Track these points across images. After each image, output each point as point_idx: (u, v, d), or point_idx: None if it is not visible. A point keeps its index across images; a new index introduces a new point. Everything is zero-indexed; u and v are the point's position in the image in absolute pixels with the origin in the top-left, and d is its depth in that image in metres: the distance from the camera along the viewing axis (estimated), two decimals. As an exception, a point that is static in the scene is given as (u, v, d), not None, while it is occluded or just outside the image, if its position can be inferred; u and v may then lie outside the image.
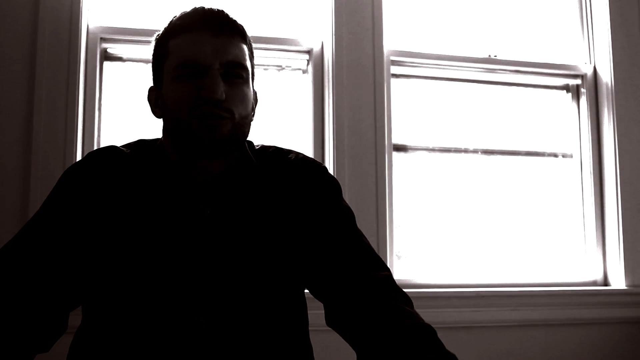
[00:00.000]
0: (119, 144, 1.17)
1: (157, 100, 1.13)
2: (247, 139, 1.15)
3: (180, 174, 1.09)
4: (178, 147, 1.09)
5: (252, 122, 1.15)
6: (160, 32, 1.13)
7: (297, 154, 1.20)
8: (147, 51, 1.94)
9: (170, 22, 1.12)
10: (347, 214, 1.16)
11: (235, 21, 1.11)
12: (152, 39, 1.15)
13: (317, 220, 1.12)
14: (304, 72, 2.09)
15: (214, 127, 1.04)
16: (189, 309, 1.01)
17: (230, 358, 1.01)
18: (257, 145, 1.20)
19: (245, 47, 1.12)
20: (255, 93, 1.17)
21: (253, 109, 1.16)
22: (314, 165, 1.19)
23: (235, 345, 1.02)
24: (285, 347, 1.08)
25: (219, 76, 1.05)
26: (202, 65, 1.05)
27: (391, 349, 0.95)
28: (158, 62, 1.13)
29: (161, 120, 1.14)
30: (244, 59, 1.10)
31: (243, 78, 1.09)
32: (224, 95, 1.04)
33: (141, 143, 1.18)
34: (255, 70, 1.18)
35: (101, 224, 1.05)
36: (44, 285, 1.00)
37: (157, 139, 1.18)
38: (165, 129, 1.13)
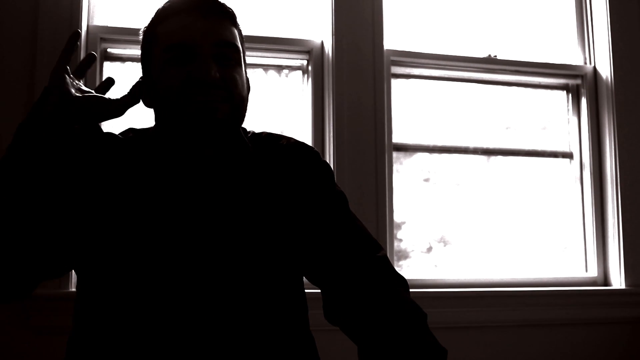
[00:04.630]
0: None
1: (148, 91, 1.11)
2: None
3: (174, 160, 1.08)
4: (172, 133, 1.08)
5: (247, 109, 1.13)
6: (148, 22, 1.13)
7: (289, 138, 1.20)
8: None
9: (157, 9, 1.12)
10: (340, 198, 1.16)
11: (224, 4, 1.10)
12: (140, 31, 1.14)
13: (311, 204, 1.12)
14: (304, 72, 2.09)
15: (211, 110, 1.02)
16: (185, 294, 1.00)
17: (227, 343, 1.00)
18: (249, 132, 1.20)
19: (235, 31, 1.10)
20: (247, 80, 1.15)
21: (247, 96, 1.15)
22: (307, 150, 1.19)
23: (233, 330, 1.01)
24: (282, 329, 1.07)
25: (210, 57, 1.03)
26: (191, 46, 1.03)
27: (382, 341, 0.95)
28: (147, 51, 1.11)
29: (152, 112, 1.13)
30: (235, 40, 1.09)
31: (235, 60, 1.08)
32: (218, 75, 1.03)
33: (132, 130, 1.17)
34: (246, 57, 1.16)
35: (97, 208, 1.04)
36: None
37: (147, 128, 1.17)
38: (157, 117, 1.12)
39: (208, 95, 1.02)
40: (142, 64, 1.14)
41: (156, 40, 1.08)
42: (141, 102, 1.13)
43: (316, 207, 1.13)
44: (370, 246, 1.11)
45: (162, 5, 1.11)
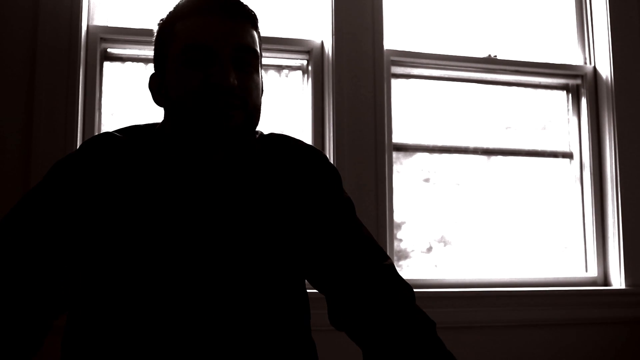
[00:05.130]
0: (112, 130, 1.11)
1: (160, 89, 1.07)
2: None
3: (181, 161, 1.06)
4: (183, 137, 1.05)
5: (260, 117, 1.10)
6: (165, 16, 1.07)
7: (297, 141, 1.18)
8: (147, 51, 1.95)
9: (177, 5, 1.06)
10: (348, 204, 1.15)
11: (247, 6, 1.06)
12: (156, 24, 1.09)
13: (318, 209, 1.11)
14: (304, 72, 2.09)
15: (225, 118, 0.99)
16: (189, 297, 1.00)
17: (230, 347, 1.00)
18: (257, 133, 1.17)
19: (255, 34, 1.07)
20: (262, 84, 1.13)
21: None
22: (315, 154, 1.17)
23: (237, 333, 1.01)
24: (285, 333, 1.06)
25: (230, 62, 1.00)
26: (211, 49, 0.99)
27: (392, 349, 0.95)
28: (162, 47, 1.06)
29: (162, 109, 1.10)
30: (256, 45, 1.06)
31: (254, 65, 1.05)
32: (236, 82, 0.99)
33: (136, 129, 1.12)
34: (262, 59, 1.14)
35: (97, 214, 1.01)
36: (29, 281, 0.96)
37: (153, 124, 1.13)
38: (168, 119, 1.08)
39: (223, 103, 0.99)
40: (155, 60, 1.10)
41: (174, 38, 1.03)
42: (151, 97, 1.10)
43: (324, 212, 1.11)
44: (377, 254, 1.10)
45: (182, 1, 1.06)
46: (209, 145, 1.04)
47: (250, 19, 1.06)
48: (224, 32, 1.01)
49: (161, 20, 1.08)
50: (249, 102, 1.03)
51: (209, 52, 1.00)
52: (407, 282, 1.10)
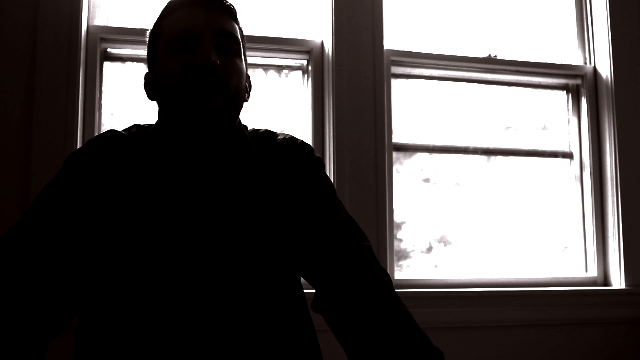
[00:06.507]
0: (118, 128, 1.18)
1: (153, 85, 1.15)
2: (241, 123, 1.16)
3: (175, 156, 1.09)
4: (171, 126, 1.10)
5: (244, 103, 1.15)
6: (154, 20, 1.17)
7: (286, 135, 1.21)
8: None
9: (163, 7, 1.16)
10: (327, 191, 1.16)
11: (226, 0, 1.14)
12: (148, 31, 1.18)
13: (300, 198, 1.13)
14: (304, 72, 2.09)
15: (206, 99, 1.04)
16: (185, 291, 1.01)
17: (229, 341, 1.00)
18: (250, 130, 1.21)
19: (236, 25, 1.15)
20: (248, 77, 1.18)
21: (247, 90, 1.17)
22: (300, 146, 1.19)
23: (234, 327, 1.01)
24: (282, 325, 1.07)
25: (211, 45, 1.06)
26: (193, 35, 1.07)
27: (374, 343, 0.95)
28: (153, 45, 1.15)
29: (157, 107, 1.15)
30: (236, 32, 1.13)
31: (235, 50, 1.11)
32: (218, 62, 1.05)
33: (137, 127, 1.19)
34: (247, 57, 1.19)
35: (98, 207, 1.05)
36: (48, 275, 0.99)
37: (150, 124, 1.19)
38: (159, 111, 1.14)
39: (206, 81, 1.04)
40: (148, 60, 1.18)
41: (161, 34, 1.12)
42: (145, 95, 1.16)
43: (304, 201, 1.13)
44: (353, 235, 1.10)
45: (167, 2, 1.16)
46: (193, 130, 1.07)
47: (229, 11, 1.14)
48: (205, 19, 1.09)
49: (152, 25, 1.18)
50: (230, 84, 1.08)
51: (191, 38, 1.07)
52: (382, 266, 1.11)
